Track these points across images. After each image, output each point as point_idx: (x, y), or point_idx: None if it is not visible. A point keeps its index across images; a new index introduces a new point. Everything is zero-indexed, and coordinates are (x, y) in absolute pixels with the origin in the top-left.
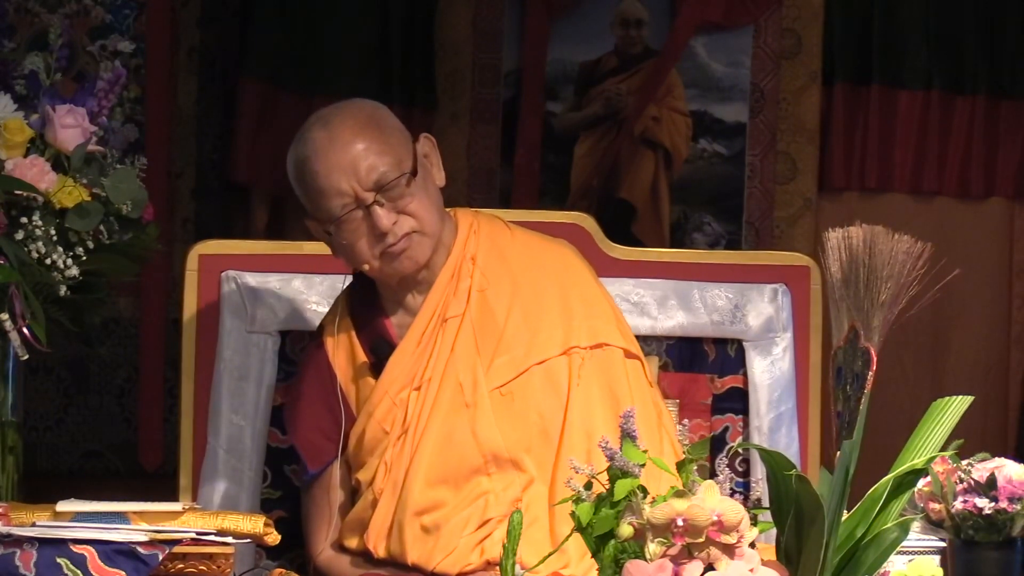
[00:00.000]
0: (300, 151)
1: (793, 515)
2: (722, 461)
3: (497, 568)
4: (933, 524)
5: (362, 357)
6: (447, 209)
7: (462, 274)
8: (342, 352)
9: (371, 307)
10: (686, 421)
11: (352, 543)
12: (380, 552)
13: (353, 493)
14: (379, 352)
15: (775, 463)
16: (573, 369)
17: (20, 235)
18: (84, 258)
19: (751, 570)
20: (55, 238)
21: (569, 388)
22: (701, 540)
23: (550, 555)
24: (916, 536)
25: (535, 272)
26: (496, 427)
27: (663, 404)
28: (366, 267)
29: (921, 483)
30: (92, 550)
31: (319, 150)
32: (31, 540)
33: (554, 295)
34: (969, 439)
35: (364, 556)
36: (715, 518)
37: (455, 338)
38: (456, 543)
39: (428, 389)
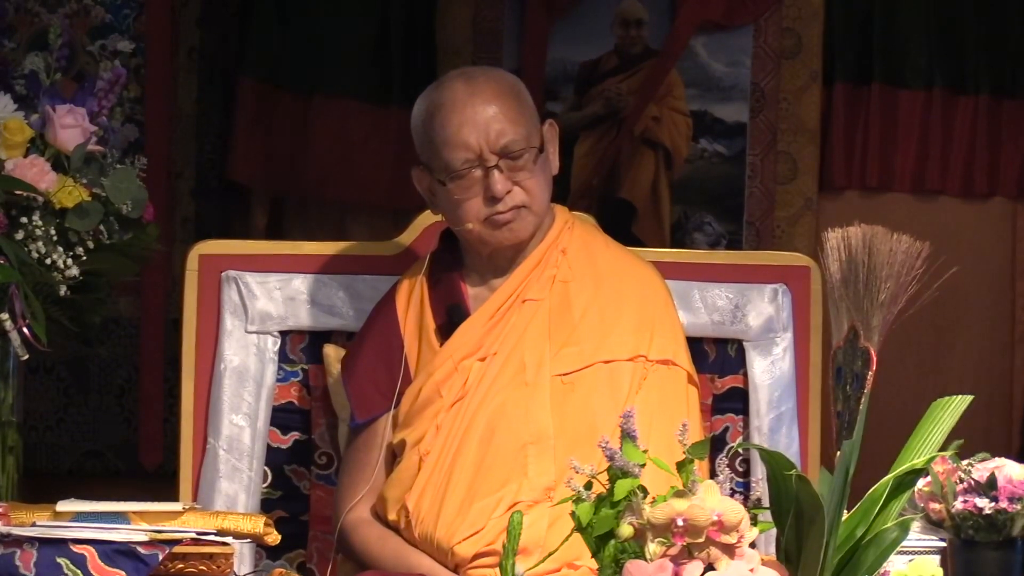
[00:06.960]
0: (436, 98)
1: (793, 515)
2: (722, 461)
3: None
4: (933, 524)
5: (430, 320)
6: None
7: (549, 262)
8: (412, 312)
9: (451, 274)
10: (686, 422)
11: (383, 508)
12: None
13: (395, 458)
14: (454, 316)
15: (775, 463)
16: (637, 377)
17: (20, 235)
18: (84, 258)
19: (751, 570)
20: (55, 238)
21: (629, 394)
22: (701, 540)
23: (549, 555)
24: (916, 536)
25: (619, 280)
26: (549, 411)
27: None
28: (468, 226)
29: (921, 483)
30: (92, 550)
31: (457, 101)
32: (31, 540)
33: (633, 305)
34: (972, 440)
35: (390, 527)
36: (715, 518)
37: (529, 320)
38: (484, 523)
39: (492, 362)
